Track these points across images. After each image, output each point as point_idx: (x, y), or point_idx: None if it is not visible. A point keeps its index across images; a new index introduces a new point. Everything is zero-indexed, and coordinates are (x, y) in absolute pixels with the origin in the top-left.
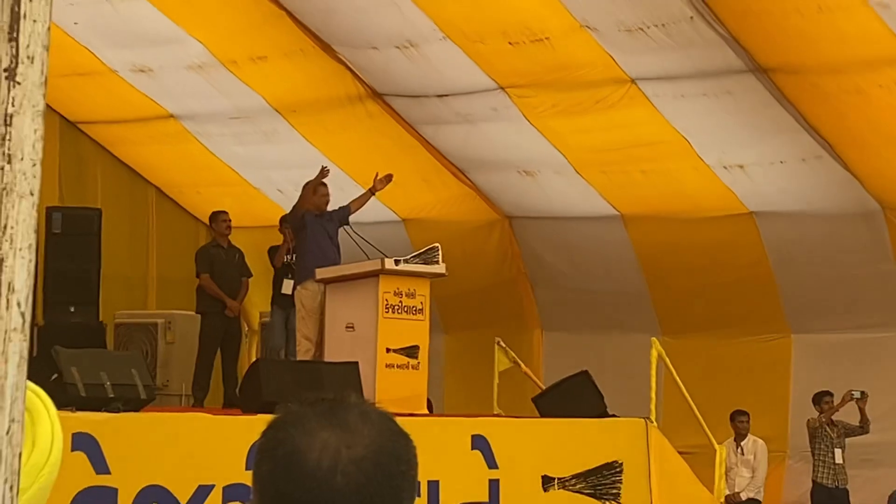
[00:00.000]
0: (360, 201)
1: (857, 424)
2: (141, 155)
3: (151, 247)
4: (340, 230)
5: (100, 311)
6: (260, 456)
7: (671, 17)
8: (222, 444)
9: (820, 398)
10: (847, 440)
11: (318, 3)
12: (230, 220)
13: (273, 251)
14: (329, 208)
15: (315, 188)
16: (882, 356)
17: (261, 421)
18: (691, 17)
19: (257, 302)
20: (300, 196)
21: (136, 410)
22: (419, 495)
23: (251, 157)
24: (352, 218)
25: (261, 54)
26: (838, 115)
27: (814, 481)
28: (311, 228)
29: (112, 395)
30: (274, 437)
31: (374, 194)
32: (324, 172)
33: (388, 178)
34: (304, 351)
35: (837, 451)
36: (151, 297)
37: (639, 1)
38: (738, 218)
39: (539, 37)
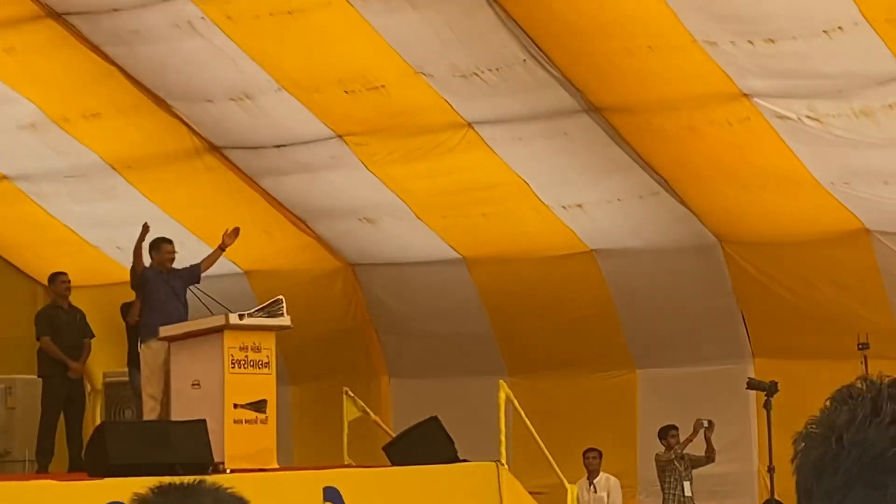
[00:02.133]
0: (211, 259)
1: (703, 455)
2: None
3: None
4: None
5: None
6: None
7: (504, 60)
8: None
9: (665, 432)
10: (695, 472)
11: (151, 58)
12: (69, 281)
13: (126, 308)
14: (177, 265)
15: (158, 245)
16: (724, 388)
17: (108, 485)
18: (524, 60)
19: (102, 361)
20: (133, 256)
21: None
22: None
23: (89, 215)
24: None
25: (94, 111)
26: (673, 152)
27: None
28: (154, 286)
29: None
30: None
31: (223, 250)
32: (146, 229)
33: (236, 232)
34: (149, 410)
35: (686, 484)
36: None
37: (472, 45)
38: (579, 256)
39: (374, 84)
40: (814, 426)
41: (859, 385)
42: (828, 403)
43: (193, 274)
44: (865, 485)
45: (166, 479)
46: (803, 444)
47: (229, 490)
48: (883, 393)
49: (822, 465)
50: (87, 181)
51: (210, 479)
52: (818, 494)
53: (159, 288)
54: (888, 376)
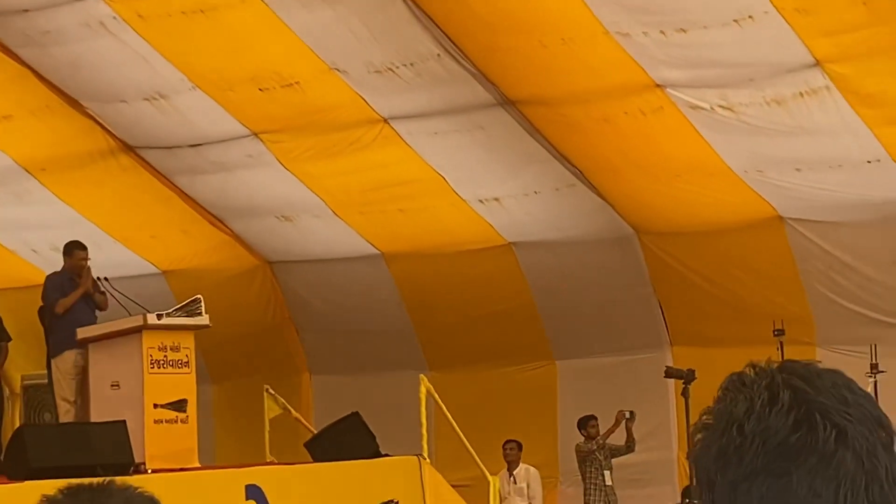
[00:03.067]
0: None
1: (623, 444)
2: None
3: None
4: (101, 282)
5: None
6: None
7: (419, 55)
8: None
9: (585, 422)
10: (615, 461)
11: (63, 59)
12: None
13: (44, 311)
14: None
15: (71, 251)
16: (643, 377)
17: (28, 488)
18: (438, 55)
19: (19, 365)
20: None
21: None
22: None
23: (3, 218)
24: (110, 273)
25: (5, 113)
26: (588, 144)
27: None
28: (65, 293)
29: None
30: None
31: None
32: None
33: None
34: (64, 413)
35: (607, 473)
36: None
37: (386, 41)
38: (497, 250)
39: (289, 81)
40: (710, 417)
41: (751, 373)
42: (721, 393)
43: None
44: (770, 473)
45: (75, 482)
46: (701, 436)
47: (139, 490)
48: (777, 380)
49: (726, 457)
50: (0, 184)
51: (120, 479)
52: (722, 485)
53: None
54: (776, 362)
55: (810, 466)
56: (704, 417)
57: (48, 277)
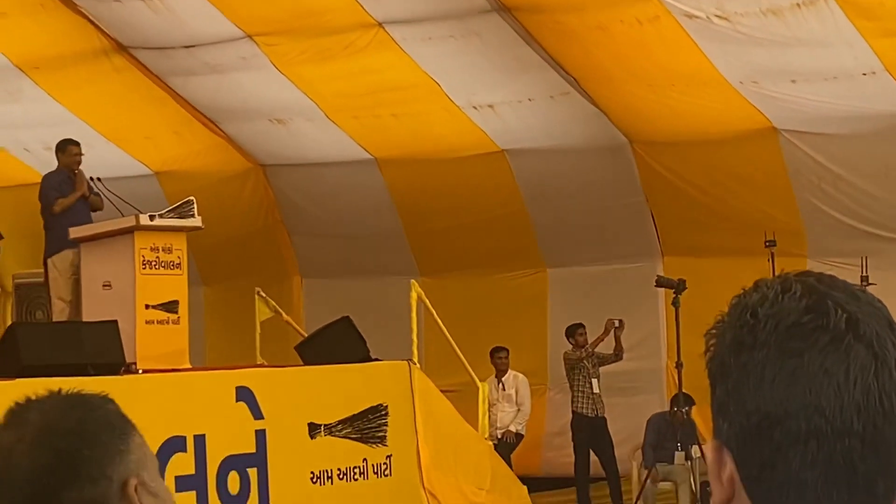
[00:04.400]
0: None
1: (612, 353)
2: None
3: None
4: (94, 182)
5: None
6: None
7: None
8: None
9: (573, 331)
10: (603, 370)
11: None
12: None
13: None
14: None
15: (64, 147)
16: (633, 286)
17: (21, 385)
18: None
19: (10, 264)
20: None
21: None
22: (184, 451)
23: None
24: (103, 173)
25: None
26: (583, 52)
27: (574, 411)
28: (62, 191)
29: None
30: None
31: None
32: None
33: None
34: (58, 312)
35: (594, 381)
36: None
37: None
38: (490, 157)
39: None
40: (723, 315)
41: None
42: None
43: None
44: (783, 353)
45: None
46: (715, 332)
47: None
48: (790, 277)
49: (739, 340)
50: None
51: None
52: (736, 368)
53: (67, 192)
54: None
55: (822, 346)
56: (719, 318)
57: (45, 177)
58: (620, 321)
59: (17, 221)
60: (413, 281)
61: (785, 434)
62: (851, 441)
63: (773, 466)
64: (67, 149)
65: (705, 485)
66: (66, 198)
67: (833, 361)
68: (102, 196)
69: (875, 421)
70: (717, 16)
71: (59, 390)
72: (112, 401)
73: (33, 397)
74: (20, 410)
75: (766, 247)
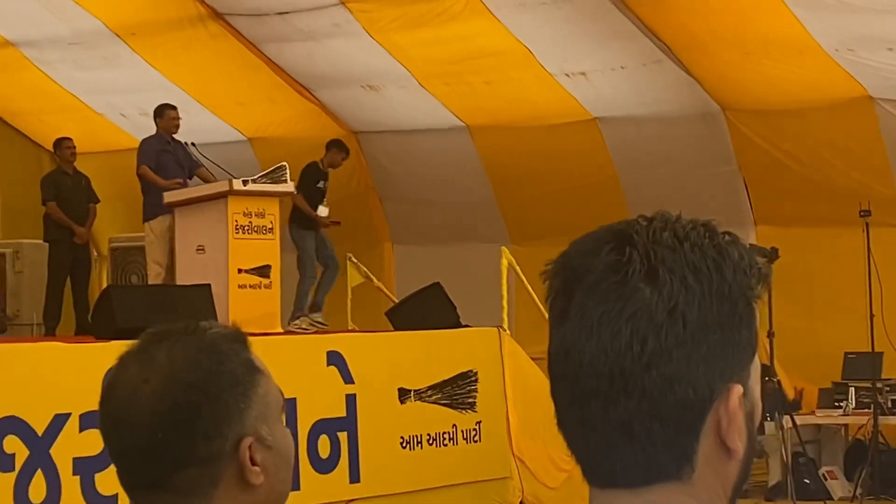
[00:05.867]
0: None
1: None
2: None
3: None
4: (188, 146)
5: None
6: None
7: None
8: (77, 371)
9: None
10: None
11: None
12: (75, 147)
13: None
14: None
15: (162, 111)
16: None
17: (115, 347)
18: None
19: (107, 227)
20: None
21: None
22: None
23: (92, 82)
24: (197, 138)
25: None
26: (676, 19)
27: None
28: (161, 160)
29: None
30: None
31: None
32: None
33: None
34: (154, 275)
35: None
36: None
37: None
38: (582, 124)
39: None
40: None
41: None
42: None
43: (192, 164)
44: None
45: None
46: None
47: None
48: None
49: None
50: (90, 48)
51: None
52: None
53: (166, 160)
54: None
55: (598, 289)
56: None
57: (141, 141)
58: None
59: (113, 186)
60: (504, 248)
61: (550, 374)
62: (599, 383)
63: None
64: (165, 113)
65: (797, 455)
66: (151, 170)
67: (594, 303)
68: (207, 169)
69: (623, 364)
70: None
71: (195, 326)
72: (245, 346)
73: (165, 330)
74: (150, 343)
75: (861, 217)
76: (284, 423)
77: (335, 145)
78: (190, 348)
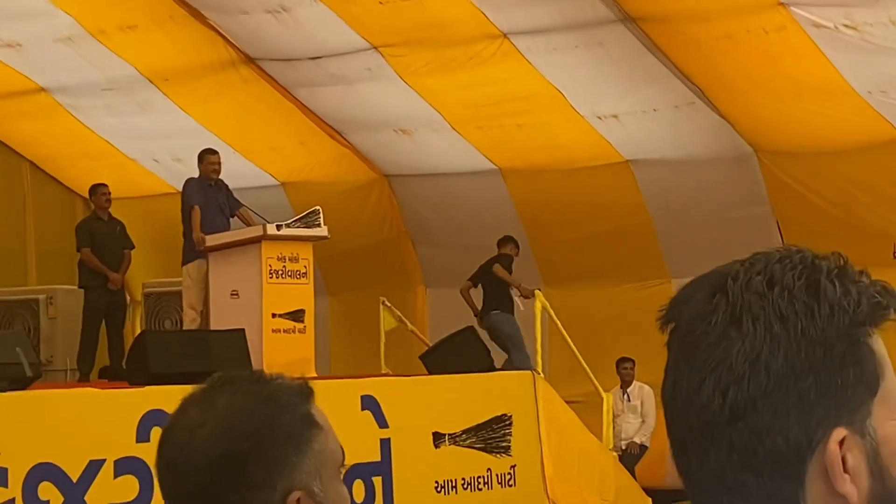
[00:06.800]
0: (248, 220)
1: None
2: (12, 130)
3: (28, 222)
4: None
5: None
6: None
7: None
8: (111, 417)
9: None
10: None
11: None
12: (109, 193)
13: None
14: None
15: (203, 157)
16: None
17: (150, 393)
18: None
19: (141, 272)
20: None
21: (23, 389)
22: None
23: (125, 127)
24: (230, 183)
25: (130, 23)
26: (709, 62)
27: None
28: (202, 203)
29: None
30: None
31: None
32: None
33: None
34: (189, 320)
35: None
36: (31, 273)
37: None
38: (615, 167)
39: None
40: None
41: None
42: None
43: (235, 205)
44: None
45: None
46: None
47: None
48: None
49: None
50: (123, 94)
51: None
52: None
53: (207, 203)
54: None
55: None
56: None
57: (186, 182)
58: None
59: (146, 231)
60: (537, 291)
61: None
62: (690, 435)
63: None
64: (206, 157)
65: None
66: (197, 212)
67: (684, 354)
68: (249, 209)
69: (708, 417)
70: (845, 25)
71: (260, 375)
72: (306, 400)
73: (230, 376)
74: (214, 388)
75: (895, 258)
76: (341, 480)
77: (511, 240)
78: (250, 397)
